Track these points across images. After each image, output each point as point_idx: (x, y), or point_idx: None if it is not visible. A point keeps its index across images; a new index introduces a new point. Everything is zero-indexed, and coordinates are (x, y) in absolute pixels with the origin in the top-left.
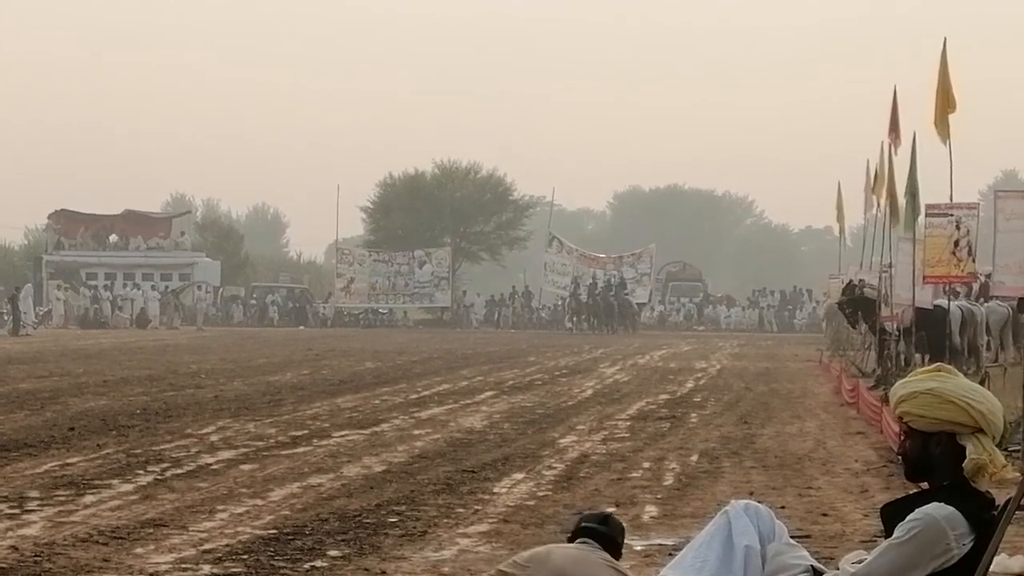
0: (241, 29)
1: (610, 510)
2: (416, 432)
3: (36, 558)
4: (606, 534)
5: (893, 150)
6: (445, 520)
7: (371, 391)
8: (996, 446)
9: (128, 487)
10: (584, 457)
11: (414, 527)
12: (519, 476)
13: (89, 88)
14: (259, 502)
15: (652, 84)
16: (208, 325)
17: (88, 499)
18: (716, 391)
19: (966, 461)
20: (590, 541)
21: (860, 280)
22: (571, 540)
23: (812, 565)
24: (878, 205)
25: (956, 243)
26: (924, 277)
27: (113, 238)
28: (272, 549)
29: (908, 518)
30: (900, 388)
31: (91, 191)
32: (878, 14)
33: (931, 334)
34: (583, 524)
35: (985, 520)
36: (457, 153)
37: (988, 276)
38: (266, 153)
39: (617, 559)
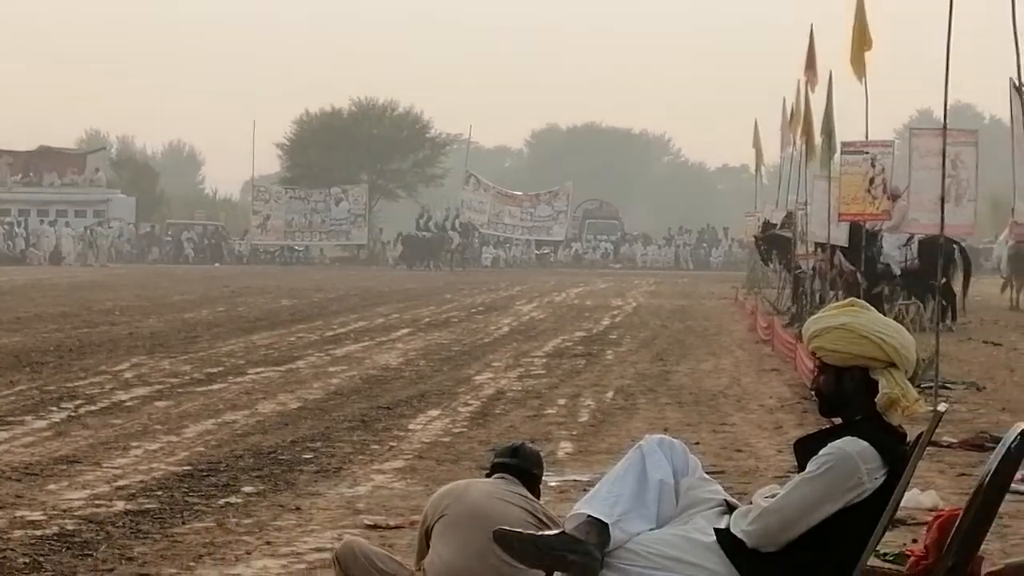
0: None
1: (521, 440)
2: (332, 369)
3: None
4: (518, 466)
5: (810, 88)
6: (360, 456)
7: (287, 328)
8: (909, 381)
9: (41, 424)
10: (500, 394)
11: (329, 463)
12: (434, 413)
13: (2, 23)
14: (173, 439)
15: (570, 21)
16: (122, 262)
17: (1, 436)
18: (632, 328)
19: (879, 395)
20: (507, 476)
21: (787, 214)
22: (488, 476)
23: (726, 499)
24: (795, 143)
25: (871, 181)
26: (839, 215)
27: (27, 174)
28: (187, 485)
29: (821, 452)
30: (813, 323)
31: (3, 127)
32: None
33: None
34: (496, 460)
35: (898, 455)
36: (374, 90)
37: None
38: (181, 90)
39: (536, 489)
